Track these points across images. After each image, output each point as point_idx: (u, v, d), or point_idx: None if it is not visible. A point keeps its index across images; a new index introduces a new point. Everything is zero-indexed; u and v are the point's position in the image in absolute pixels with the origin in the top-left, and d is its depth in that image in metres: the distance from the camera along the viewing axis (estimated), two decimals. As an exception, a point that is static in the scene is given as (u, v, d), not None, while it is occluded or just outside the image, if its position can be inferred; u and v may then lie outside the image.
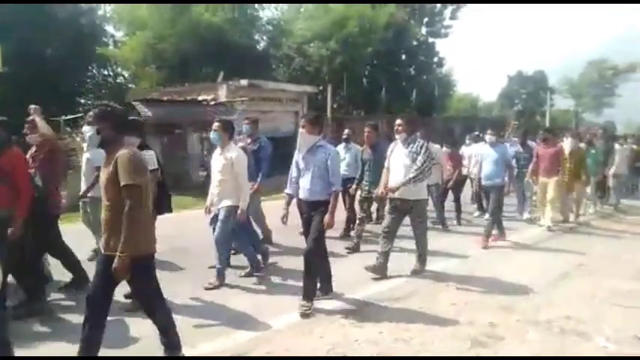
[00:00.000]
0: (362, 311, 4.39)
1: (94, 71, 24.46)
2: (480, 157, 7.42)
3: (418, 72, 28.70)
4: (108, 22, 24.40)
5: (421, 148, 5.15)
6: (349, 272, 5.49)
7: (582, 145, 9.19)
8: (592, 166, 9.25)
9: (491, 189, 7.05)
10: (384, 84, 24.90)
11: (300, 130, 4.46)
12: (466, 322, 4.13)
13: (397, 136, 5.32)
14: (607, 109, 50.38)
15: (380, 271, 5.32)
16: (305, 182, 4.45)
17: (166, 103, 14.53)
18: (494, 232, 7.17)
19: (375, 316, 4.29)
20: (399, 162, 5.28)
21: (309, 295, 4.36)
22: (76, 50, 20.39)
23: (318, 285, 4.58)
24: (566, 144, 8.50)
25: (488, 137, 7.32)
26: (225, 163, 4.97)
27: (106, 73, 25.00)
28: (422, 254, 5.57)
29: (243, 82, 15.34)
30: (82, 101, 24.10)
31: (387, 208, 5.51)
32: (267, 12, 25.54)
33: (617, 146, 10.94)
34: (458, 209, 8.68)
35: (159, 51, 20.61)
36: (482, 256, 6.47)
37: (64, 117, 15.28)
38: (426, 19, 30.01)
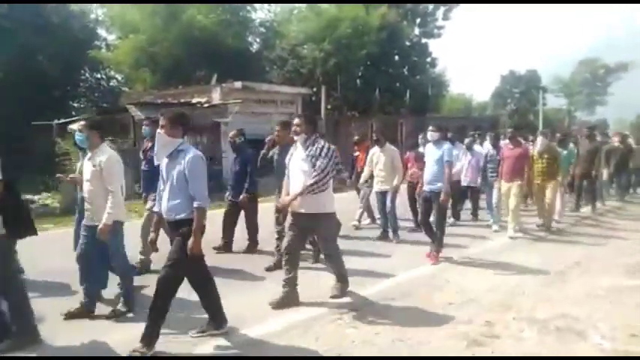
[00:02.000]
0: (357, 312, 4.38)
1: (87, 75, 24.37)
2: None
3: (411, 72, 28.76)
4: (100, 26, 24.36)
5: (321, 150, 4.41)
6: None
7: (553, 144, 8.47)
8: (563, 167, 8.55)
9: (436, 196, 5.97)
10: (378, 85, 24.95)
11: (158, 131, 3.66)
12: (463, 321, 4.14)
13: (296, 138, 4.57)
14: (599, 107, 50.78)
15: (288, 304, 4.46)
16: (164, 197, 3.70)
17: (160, 106, 14.47)
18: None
19: (371, 316, 4.29)
20: (296, 168, 4.54)
21: (146, 336, 3.49)
22: (69, 54, 20.32)
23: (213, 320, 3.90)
24: (537, 143, 8.06)
25: (430, 135, 6.20)
26: (94, 169, 4.20)
27: (99, 76, 24.93)
28: (340, 274, 4.81)
29: (237, 84, 15.36)
30: (75, 105, 24.04)
31: (287, 223, 4.70)
32: (260, 14, 25.61)
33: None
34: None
35: (152, 54, 20.56)
36: (478, 256, 6.49)
37: (56, 121, 15.24)
38: (418, 20, 30.07)
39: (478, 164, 8.61)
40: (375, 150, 7.42)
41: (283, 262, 4.59)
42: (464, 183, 8.70)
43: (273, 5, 26.07)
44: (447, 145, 6.09)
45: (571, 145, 9.62)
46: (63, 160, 13.17)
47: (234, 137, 6.62)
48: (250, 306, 4.51)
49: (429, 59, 30.01)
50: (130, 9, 21.41)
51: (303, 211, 4.47)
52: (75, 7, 22.44)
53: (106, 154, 4.21)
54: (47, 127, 15.01)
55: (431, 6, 30.10)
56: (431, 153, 6.11)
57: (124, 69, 22.38)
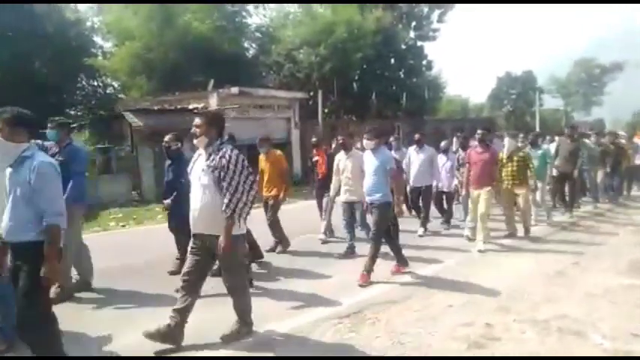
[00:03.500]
0: (358, 315, 4.37)
1: (83, 82, 24.35)
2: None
3: (408, 75, 28.80)
4: (96, 33, 24.36)
5: (228, 162, 3.58)
6: (344, 273, 5.49)
7: (521, 144, 8.14)
8: (540, 169, 8.24)
9: (372, 207, 5.49)
10: (375, 88, 24.97)
11: None
12: (463, 324, 4.12)
13: (195, 142, 3.79)
14: (596, 107, 50.95)
15: (168, 339, 3.67)
16: (6, 214, 3.05)
17: (157, 113, 14.48)
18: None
19: (371, 320, 4.27)
20: (195, 180, 3.78)
21: None
22: (65, 61, 20.31)
23: None
24: (505, 145, 7.63)
25: (365, 143, 5.64)
26: None
27: (95, 83, 24.90)
28: (242, 314, 3.90)
29: (234, 89, 15.35)
30: (72, 112, 23.99)
31: (190, 245, 3.91)
32: (256, 19, 25.61)
33: (589, 143, 10.52)
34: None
35: (148, 61, 20.54)
36: (477, 257, 6.49)
37: (53, 129, 15.19)
38: (413, 23, 30.19)
39: (453, 168, 8.28)
40: (340, 156, 6.75)
41: (180, 289, 3.80)
42: (438, 188, 8.33)
43: (268, 10, 26.10)
44: (386, 152, 5.69)
45: (545, 145, 9.42)
46: (60, 167, 13.15)
47: (169, 142, 5.68)
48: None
49: (424, 62, 30.07)
50: (126, 15, 21.42)
51: (203, 231, 3.74)
52: (70, 14, 22.46)
53: None
54: (43, 134, 14.99)
55: (426, 9, 30.21)
56: (369, 161, 5.60)
57: (121, 76, 22.37)
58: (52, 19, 20.54)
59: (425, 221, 8.02)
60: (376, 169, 5.44)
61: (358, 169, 6.23)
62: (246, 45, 25.06)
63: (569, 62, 53.45)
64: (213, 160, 3.62)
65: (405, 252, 6.61)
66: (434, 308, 4.53)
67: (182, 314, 3.69)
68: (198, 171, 3.73)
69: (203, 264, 3.81)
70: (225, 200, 3.55)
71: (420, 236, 7.74)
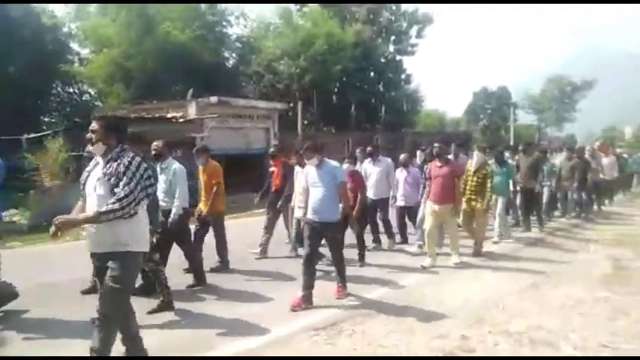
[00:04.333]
0: (334, 327, 4.36)
1: (59, 89, 23.90)
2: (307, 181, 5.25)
3: (387, 88, 29.21)
4: (73, 40, 23.97)
5: (126, 168, 3.19)
6: (316, 288, 5.48)
7: (489, 160, 8.01)
8: (503, 185, 8.21)
9: (326, 227, 5.02)
10: (354, 101, 25.22)
11: None
12: (438, 336, 4.15)
13: (91, 149, 3.41)
14: (567, 123, 52.39)
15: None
16: None
17: (134, 121, 14.28)
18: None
19: (348, 332, 4.26)
20: (91, 191, 3.30)
21: None
22: (40, 68, 19.92)
23: None
24: (474, 158, 7.43)
25: (307, 161, 5.20)
26: None
27: (71, 90, 24.46)
28: (101, 345, 3.16)
29: (213, 99, 15.29)
30: (46, 119, 23.52)
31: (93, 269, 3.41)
32: (236, 29, 25.59)
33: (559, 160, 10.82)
34: (362, 246, 6.75)
35: (126, 68, 20.33)
36: (452, 271, 6.55)
37: (26, 135, 14.89)
38: (393, 38, 30.71)
39: (416, 182, 7.74)
40: (297, 169, 6.35)
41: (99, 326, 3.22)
42: (400, 203, 7.94)
43: (249, 20, 26.17)
44: (331, 165, 5.16)
45: (510, 161, 9.30)
46: (32, 175, 12.85)
47: None
48: (226, 326, 4.45)
49: (403, 76, 30.55)
50: (103, 22, 21.18)
51: (101, 250, 3.26)
52: (47, 19, 22.10)
53: None
54: (16, 141, 14.64)
55: (405, 24, 30.77)
56: (314, 178, 5.11)
57: (98, 83, 22.04)
58: (28, 24, 20.17)
59: (391, 233, 7.80)
60: (326, 185, 5.01)
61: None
62: (226, 55, 25.07)
63: (542, 79, 55.02)
64: (110, 167, 3.24)
65: (381, 266, 6.70)
66: (410, 320, 4.55)
67: (132, 341, 3.38)
68: (94, 181, 3.29)
69: None
70: (110, 201, 3.10)
71: (389, 248, 7.71)
